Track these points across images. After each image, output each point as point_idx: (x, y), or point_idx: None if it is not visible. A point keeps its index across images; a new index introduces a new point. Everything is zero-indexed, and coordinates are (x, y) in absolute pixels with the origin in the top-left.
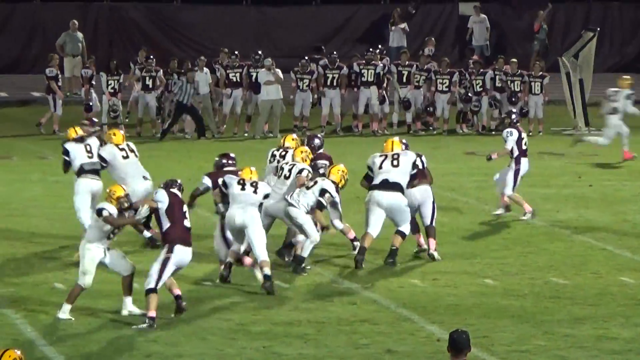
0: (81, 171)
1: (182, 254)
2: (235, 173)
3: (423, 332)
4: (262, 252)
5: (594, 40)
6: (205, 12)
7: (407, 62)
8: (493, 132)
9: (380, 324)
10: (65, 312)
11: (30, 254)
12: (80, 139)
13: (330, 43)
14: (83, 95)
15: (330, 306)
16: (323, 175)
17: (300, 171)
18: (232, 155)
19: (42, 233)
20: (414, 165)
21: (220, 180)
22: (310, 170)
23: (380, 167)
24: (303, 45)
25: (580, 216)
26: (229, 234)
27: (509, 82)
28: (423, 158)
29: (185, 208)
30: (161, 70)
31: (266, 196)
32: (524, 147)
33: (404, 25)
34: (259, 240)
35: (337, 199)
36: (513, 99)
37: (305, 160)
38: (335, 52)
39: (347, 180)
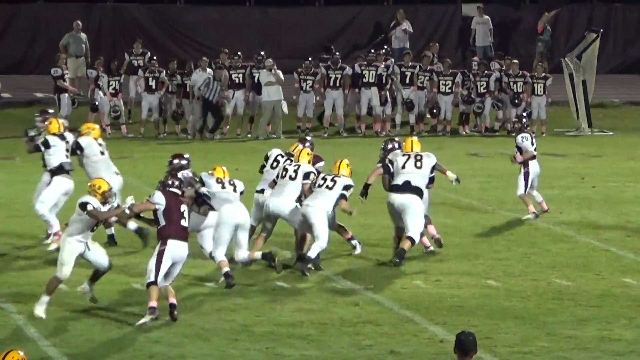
0: (61, 169)
1: (176, 247)
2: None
3: (426, 333)
4: (243, 254)
5: (597, 41)
6: (209, 13)
7: (410, 63)
8: (497, 133)
9: (383, 325)
10: (42, 304)
11: (33, 255)
12: (61, 136)
13: (333, 44)
14: (88, 96)
15: (333, 307)
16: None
17: (307, 175)
18: (186, 155)
19: (45, 234)
20: (433, 169)
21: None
22: (316, 173)
23: (404, 167)
24: (306, 46)
25: (583, 217)
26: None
27: (511, 84)
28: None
29: (183, 207)
30: (164, 72)
31: (241, 193)
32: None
33: (405, 26)
34: (246, 242)
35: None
36: (516, 101)
37: (311, 163)
38: (337, 53)
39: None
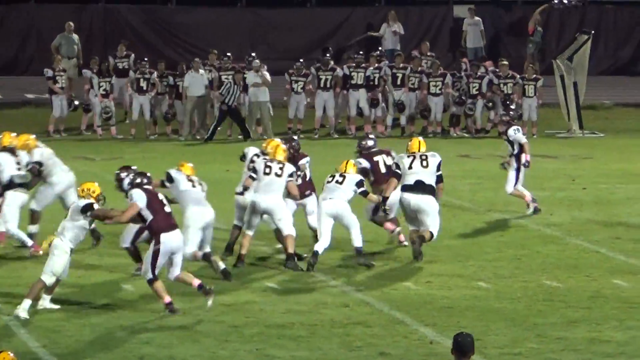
0: (12, 184)
1: (170, 240)
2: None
3: (416, 335)
4: (207, 250)
5: (589, 43)
6: (200, 14)
7: (401, 65)
8: (488, 135)
9: (373, 326)
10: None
11: (23, 256)
12: (12, 150)
13: (323, 45)
14: (84, 97)
15: (323, 308)
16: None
17: (292, 174)
18: (133, 167)
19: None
20: (439, 167)
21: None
22: (296, 170)
23: (411, 167)
24: (298, 47)
25: (573, 219)
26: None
27: (501, 85)
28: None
29: (161, 196)
30: (155, 73)
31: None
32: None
33: (395, 27)
34: (210, 238)
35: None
36: (507, 102)
37: (286, 159)
38: (328, 55)
39: None
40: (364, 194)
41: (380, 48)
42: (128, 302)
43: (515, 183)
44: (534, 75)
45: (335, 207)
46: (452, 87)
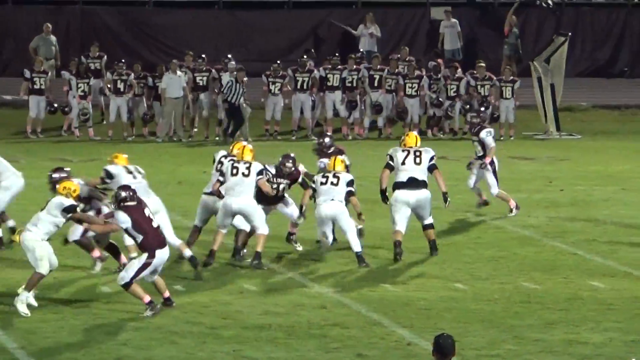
0: None
1: (162, 255)
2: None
3: (394, 336)
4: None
5: (566, 45)
6: (177, 16)
7: (378, 66)
8: (465, 136)
9: (350, 328)
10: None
11: (4, 257)
12: None
13: (300, 47)
14: (65, 98)
15: (300, 310)
16: (287, 174)
17: (260, 172)
18: (66, 169)
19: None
20: (432, 159)
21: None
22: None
23: (403, 164)
24: (275, 49)
25: (550, 221)
26: None
27: (478, 87)
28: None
29: (147, 211)
30: (132, 74)
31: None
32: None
33: (372, 29)
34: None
35: None
36: (484, 104)
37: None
38: (305, 56)
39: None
40: (350, 193)
41: (361, 49)
42: (106, 304)
43: (498, 184)
44: (511, 77)
45: (333, 209)
46: (429, 89)
